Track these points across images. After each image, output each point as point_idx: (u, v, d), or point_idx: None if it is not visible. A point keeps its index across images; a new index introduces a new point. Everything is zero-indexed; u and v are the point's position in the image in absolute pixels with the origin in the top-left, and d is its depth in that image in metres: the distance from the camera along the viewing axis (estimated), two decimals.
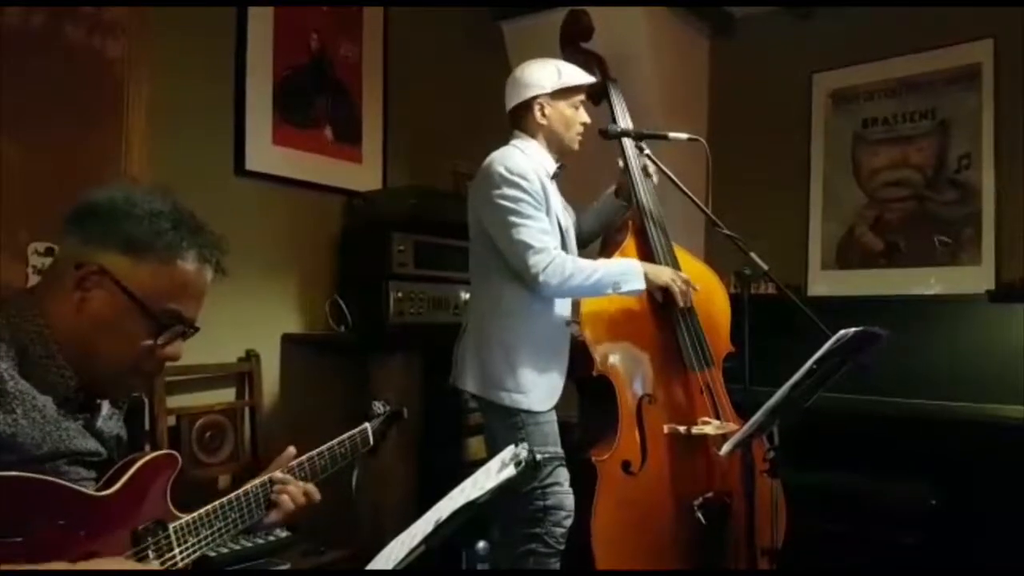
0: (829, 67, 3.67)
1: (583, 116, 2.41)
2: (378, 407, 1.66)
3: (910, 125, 3.49)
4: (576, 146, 2.42)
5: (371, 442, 1.60)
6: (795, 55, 3.70)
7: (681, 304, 2.34)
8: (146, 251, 1.17)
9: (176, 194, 1.25)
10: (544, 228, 2.23)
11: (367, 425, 1.60)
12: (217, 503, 1.27)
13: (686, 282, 2.34)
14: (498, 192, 2.23)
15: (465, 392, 2.34)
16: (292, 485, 1.39)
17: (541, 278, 2.17)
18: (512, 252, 2.22)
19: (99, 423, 1.23)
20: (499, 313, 2.28)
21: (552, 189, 2.33)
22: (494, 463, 1.25)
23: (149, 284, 1.17)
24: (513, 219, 2.21)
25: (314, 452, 1.47)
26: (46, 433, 1.09)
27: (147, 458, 1.20)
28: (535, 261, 2.18)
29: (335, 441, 1.53)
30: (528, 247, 2.19)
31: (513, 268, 2.24)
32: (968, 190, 3.34)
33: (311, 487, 1.43)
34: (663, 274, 2.32)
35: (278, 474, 1.40)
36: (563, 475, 2.25)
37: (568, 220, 2.45)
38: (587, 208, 2.64)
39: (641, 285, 2.26)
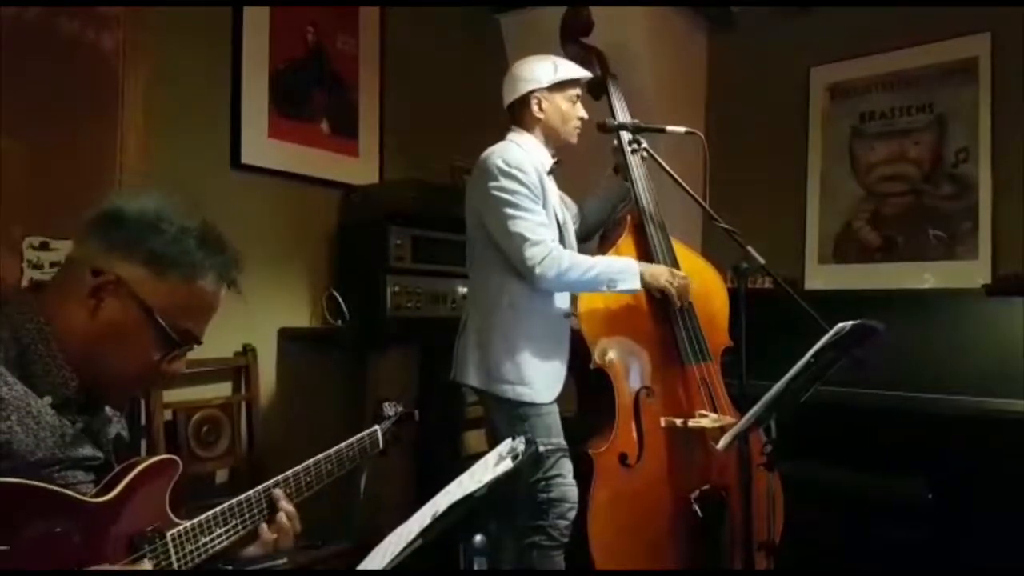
0: (827, 61, 3.67)
1: (580, 111, 2.42)
2: (388, 409, 1.63)
3: (908, 119, 3.49)
4: (574, 139, 2.43)
5: (381, 445, 1.57)
6: (793, 49, 3.70)
7: (677, 305, 2.34)
8: (169, 268, 1.16)
9: (177, 195, 1.23)
10: (542, 221, 2.23)
11: (377, 428, 1.57)
12: (218, 509, 1.24)
13: (683, 281, 2.35)
14: (495, 184, 2.23)
15: (465, 386, 2.33)
16: (289, 524, 1.32)
17: (537, 271, 2.17)
18: (509, 244, 2.22)
19: (98, 426, 1.21)
20: (500, 306, 2.28)
21: (549, 183, 2.33)
22: (491, 457, 1.24)
23: (167, 300, 1.17)
24: (510, 211, 2.21)
25: (320, 456, 1.43)
26: (40, 440, 1.08)
27: (147, 463, 1.18)
28: (532, 253, 2.18)
29: (343, 444, 1.48)
30: (525, 239, 2.19)
31: (510, 260, 2.23)
32: (965, 184, 3.34)
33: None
34: (660, 277, 2.32)
35: (280, 495, 1.32)
36: (566, 467, 2.26)
37: (566, 214, 2.45)
38: (588, 197, 2.64)
39: (636, 285, 2.26)
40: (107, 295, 1.14)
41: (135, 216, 1.17)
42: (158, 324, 1.16)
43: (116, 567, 1.10)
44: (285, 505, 1.33)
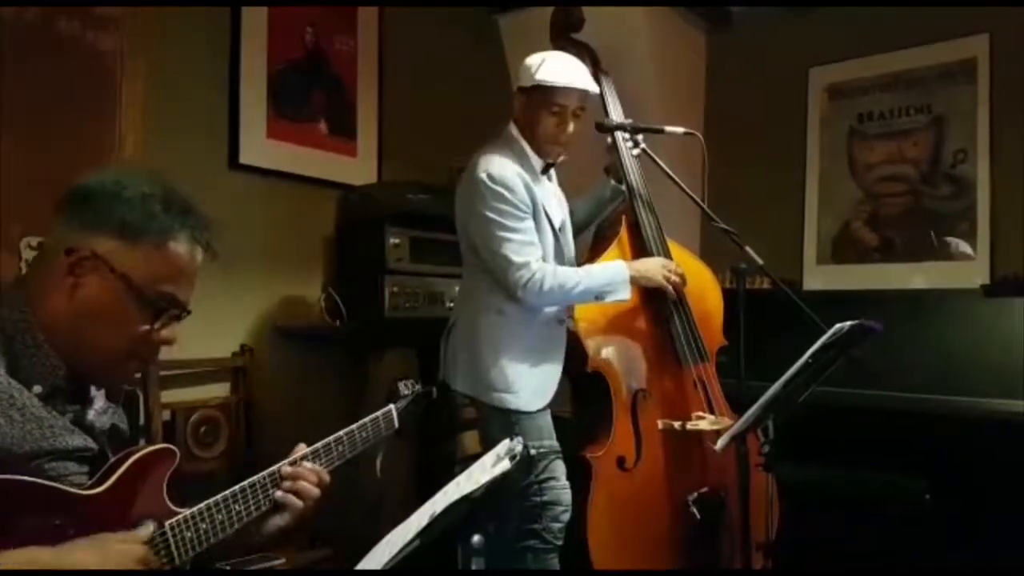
0: (826, 61, 3.67)
1: (564, 127, 2.28)
2: (404, 388, 1.59)
3: (906, 119, 3.49)
4: (552, 157, 2.34)
5: (396, 424, 1.52)
6: (792, 49, 3.70)
7: (674, 297, 2.34)
8: (139, 235, 1.15)
9: (164, 176, 1.23)
10: (528, 239, 2.22)
11: (392, 407, 1.53)
12: (220, 496, 1.22)
13: (679, 275, 2.34)
14: (482, 202, 2.20)
15: (454, 390, 2.32)
16: (304, 477, 1.30)
17: (520, 293, 2.19)
18: (495, 265, 2.22)
19: (90, 416, 1.20)
20: (487, 312, 2.27)
21: (540, 187, 2.30)
22: (489, 457, 1.25)
23: (143, 268, 1.16)
24: (496, 232, 2.19)
25: (331, 438, 1.38)
26: (27, 432, 1.07)
27: (142, 452, 1.17)
28: (516, 277, 2.17)
29: (356, 425, 1.43)
30: (510, 263, 2.18)
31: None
32: (963, 185, 3.34)
33: (321, 470, 1.33)
34: (655, 274, 2.30)
35: (287, 467, 1.30)
36: (559, 469, 2.25)
37: (564, 214, 2.44)
38: (579, 197, 2.62)
39: (625, 295, 2.25)
40: (84, 272, 1.14)
41: (97, 190, 1.17)
42: (138, 292, 1.16)
43: (118, 534, 1.08)
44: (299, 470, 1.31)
